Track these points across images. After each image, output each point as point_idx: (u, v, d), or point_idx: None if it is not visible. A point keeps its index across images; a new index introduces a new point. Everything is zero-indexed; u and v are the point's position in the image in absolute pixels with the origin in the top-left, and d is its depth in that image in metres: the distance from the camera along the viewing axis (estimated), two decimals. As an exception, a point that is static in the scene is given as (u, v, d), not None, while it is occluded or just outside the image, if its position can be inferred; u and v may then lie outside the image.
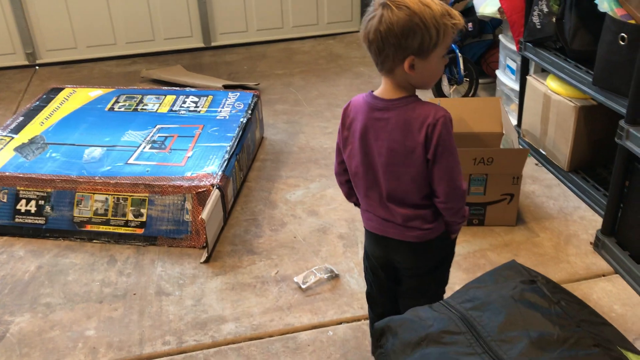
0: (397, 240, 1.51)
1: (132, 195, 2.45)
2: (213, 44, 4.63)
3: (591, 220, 2.45)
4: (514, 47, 3.10)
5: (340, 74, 4.07)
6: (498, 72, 3.38)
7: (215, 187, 2.42)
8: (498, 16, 3.09)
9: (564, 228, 2.44)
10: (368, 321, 1.94)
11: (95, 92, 3.23)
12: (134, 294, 2.17)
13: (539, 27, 2.72)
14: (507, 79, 3.28)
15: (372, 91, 1.44)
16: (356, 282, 2.18)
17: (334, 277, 2.21)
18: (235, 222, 2.56)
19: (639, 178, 2.06)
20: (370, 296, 1.75)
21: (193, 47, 4.60)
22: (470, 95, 3.49)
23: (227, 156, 2.61)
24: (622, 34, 2.15)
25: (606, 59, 2.27)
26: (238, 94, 3.17)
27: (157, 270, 2.29)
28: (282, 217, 2.58)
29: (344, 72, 4.11)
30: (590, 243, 2.32)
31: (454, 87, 3.48)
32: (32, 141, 2.78)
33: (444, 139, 1.35)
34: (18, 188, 2.50)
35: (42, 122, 2.94)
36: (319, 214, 2.60)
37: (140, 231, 2.44)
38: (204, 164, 2.57)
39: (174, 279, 2.24)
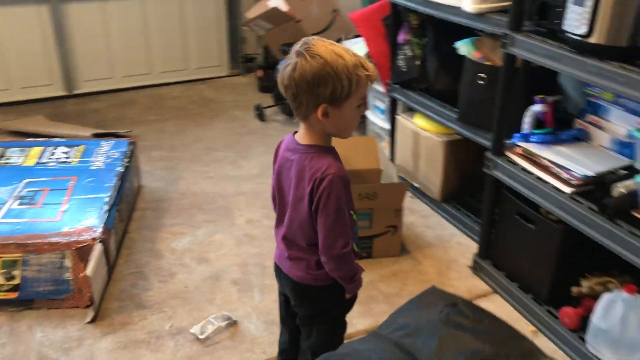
0: (285, 274, 1.59)
1: (2, 257, 2.24)
2: (76, 91, 4.41)
3: (467, 246, 2.64)
4: (381, 89, 3.30)
5: (215, 118, 4.06)
6: (368, 113, 3.57)
7: (97, 240, 2.28)
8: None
9: (443, 254, 2.60)
10: (272, 365, 1.93)
11: (-54, 147, 2.94)
12: (12, 366, 1.97)
13: (404, 69, 2.92)
14: (376, 119, 3.46)
15: (296, 131, 1.48)
16: (255, 327, 2.16)
17: (232, 324, 2.17)
18: (120, 277, 2.43)
19: (507, 204, 2.26)
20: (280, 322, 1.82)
21: (53, 95, 4.35)
22: (343, 134, 3.63)
23: (106, 207, 2.48)
24: (481, 74, 2.38)
25: (468, 97, 2.50)
26: (112, 142, 3.05)
27: (36, 336, 2.10)
28: (170, 267, 2.49)
29: (218, 116, 4.11)
30: (469, 267, 2.50)
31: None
32: None
33: (326, 196, 1.38)
34: None
35: None
36: (209, 261, 2.54)
37: (13, 295, 2.23)
38: (81, 217, 2.42)
39: (57, 343, 2.07)
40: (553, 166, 2.06)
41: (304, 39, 1.38)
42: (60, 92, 4.37)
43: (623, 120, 2.12)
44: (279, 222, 1.56)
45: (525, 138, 2.22)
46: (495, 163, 2.24)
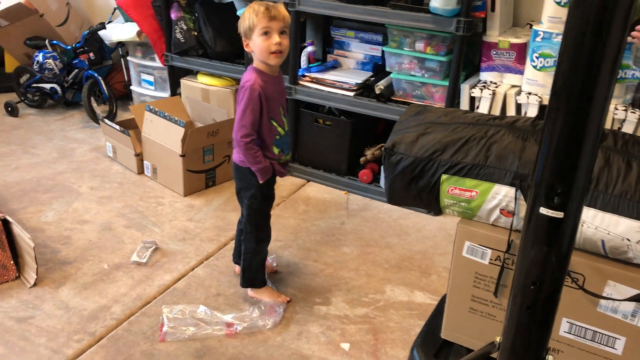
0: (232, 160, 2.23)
1: None
2: None
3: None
4: (146, 63, 3.89)
5: (-38, 123, 3.93)
6: (134, 87, 4.08)
7: (1, 220, 2.44)
8: (137, 39, 3.79)
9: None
10: (210, 259, 2.57)
11: None
12: (-4, 333, 2.11)
13: (182, 40, 3.60)
14: (146, 90, 4.02)
15: None
16: (175, 245, 2.69)
17: (157, 248, 2.66)
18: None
19: (306, 118, 3.27)
20: None
21: None
22: (114, 112, 4.05)
23: (-20, 197, 2.58)
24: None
25: (254, 50, 3.38)
26: None
27: (-8, 310, 2.23)
28: (60, 233, 2.74)
29: (-36, 121, 3.98)
30: (284, 172, 3.43)
31: (101, 106, 3.99)
32: None
33: (241, 96, 2.07)
34: None
35: None
36: (90, 221, 2.86)
37: (-60, 289, 2.24)
38: (-43, 211, 2.48)
39: (19, 307, 2.25)
40: (335, 82, 3.15)
41: None
42: None
43: (361, 49, 3.33)
44: None
45: (307, 70, 3.25)
46: (295, 90, 3.21)
